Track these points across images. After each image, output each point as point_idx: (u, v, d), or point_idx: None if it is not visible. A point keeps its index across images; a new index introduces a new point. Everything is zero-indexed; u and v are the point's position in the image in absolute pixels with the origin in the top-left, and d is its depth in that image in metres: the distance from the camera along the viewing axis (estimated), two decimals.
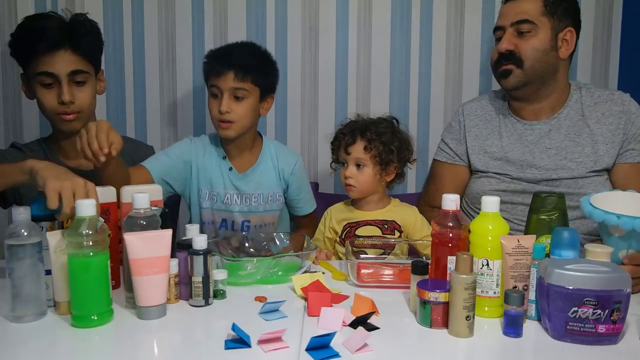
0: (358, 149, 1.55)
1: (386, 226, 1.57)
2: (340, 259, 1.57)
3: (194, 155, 1.68)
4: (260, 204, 1.70)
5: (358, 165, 1.56)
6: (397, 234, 1.57)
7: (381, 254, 1.52)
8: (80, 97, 1.49)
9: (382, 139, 1.54)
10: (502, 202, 1.54)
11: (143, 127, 2.14)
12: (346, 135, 1.57)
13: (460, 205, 1.75)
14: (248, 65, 1.59)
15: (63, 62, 1.44)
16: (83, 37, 1.48)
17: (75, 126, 1.50)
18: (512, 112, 1.69)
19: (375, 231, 1.57)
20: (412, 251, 1.56)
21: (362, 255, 1.50)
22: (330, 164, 1.67)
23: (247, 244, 1.51)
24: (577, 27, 1.62)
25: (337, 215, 1.62)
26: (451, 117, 1.83)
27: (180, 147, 1.68)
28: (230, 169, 1.68)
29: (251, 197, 1.69)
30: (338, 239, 1.60)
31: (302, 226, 1.83)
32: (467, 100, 1.83)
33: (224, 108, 1.57)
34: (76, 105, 1.48)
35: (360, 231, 1.58)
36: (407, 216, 1.58)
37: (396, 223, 1.57)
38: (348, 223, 1.59)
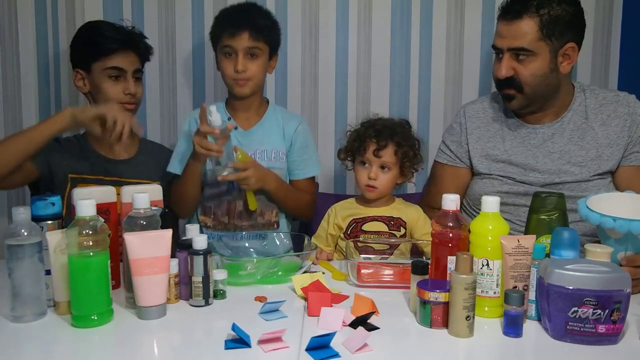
0: (389, 153, 1.54)
1: (392, 222, 1.57)
2: (343, 255, 1.57)
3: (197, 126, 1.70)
4: (264, 160, 1.71)
5: (382, 167, 1.56)
6: (402, 230, 1.57)
7: (386, 250, 1.53)
8: (139, 91, 1.73)
9: (409, 143, 1.56)
10: (504, 203, 1.55)
11: (143, 126, 2.13)
12: (375, 137, 1.55)
13: (461, 206, 1.75)
14: (261, 26, 1.66)
15: (130, 61, 1.69)
16: (141, 43, 1.76)
17: (131, 115, 1.66)
18: (515, 115, 1.67)
19: (381, 227, 1.57)
20: (415, 249, 1.56)
21: (362, 255, 1.50)
22: (344, 161, 1.65)
23: (246, 244, 1.51)
24: (579, 37, 1.56)
25: (342, 212, 1.62)
26: (452, 119, 1.81)
27: (183, 131, 1.74)
28: (236, 127, 1.72)
29: (255, 152, 1.71)
30: (343, 235, 1.60)
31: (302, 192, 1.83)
32: (468, 102, 1.81)
33: (240, 67, 1.63)
34: (136, 98, 1.72)
35: (366, 227, 1.58)
36: (411, 214, 1.59)
37: (402, 220, 1.58)
38: (354, 219, 1.59)
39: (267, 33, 1.68)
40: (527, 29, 1.50)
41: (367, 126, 1.60)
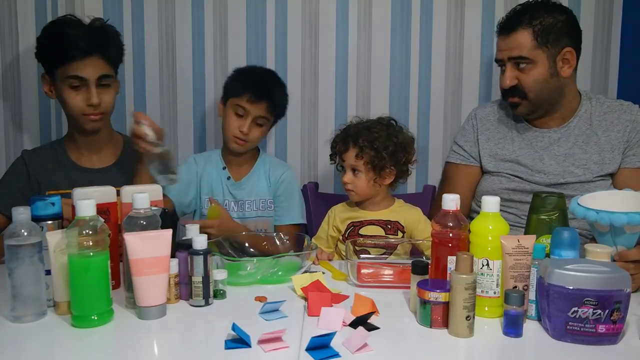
0: (350, 156, 1.56)
1: (389, 226, 1.57)
2: (342, 257, 1.57)
3: (199, 172, 1.83)
4: (253, 209, 1.82)
5: (354, 171, 1.56)
6: (400, 234, 1.57)
7: (383, 254, 1.52)
8: (105, 99, 1.59)
9: (373, 145, 1.54)
10: (512, 200, 1.63)
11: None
12: (338, 143, 1.60)
13: (471, 206, 1.77)
14: (277, 104, 1.79)
15: (93, 68, 1.54)
16: (111, 45, 1.60)
17: (98, 125, 1.62)
18: (523, 119, 1.73)
19: (378, 231, 1.57)
20: (415, 251, 1.56)
21: (362, 255, 1.50)
22: (336, 166, 1.68)
23: (247, 244, 1.51)
24: (576, 42, 1.63)
25: (341, 215, 1.62)
26: (464, 122, 1.87)
27: (186, 170, 1.82)
28: (228, 177, 1.83)
29: (245, 203, 1.82)
30: (341, 238, 1.60)
31: None
32: (478, 106, 1.87)
33: (245, 130, 1.73)
34: (102, 107, 1.58)
35: (363, 230, 1.58)
36: (411, 217, 1.59)
37: (399, 224, 1.57)
38: (352, 222, 1.60)
39: (280, 111, 1.82)
40: (522, 39, 1.59)
41: (340, 131, 1.63)
